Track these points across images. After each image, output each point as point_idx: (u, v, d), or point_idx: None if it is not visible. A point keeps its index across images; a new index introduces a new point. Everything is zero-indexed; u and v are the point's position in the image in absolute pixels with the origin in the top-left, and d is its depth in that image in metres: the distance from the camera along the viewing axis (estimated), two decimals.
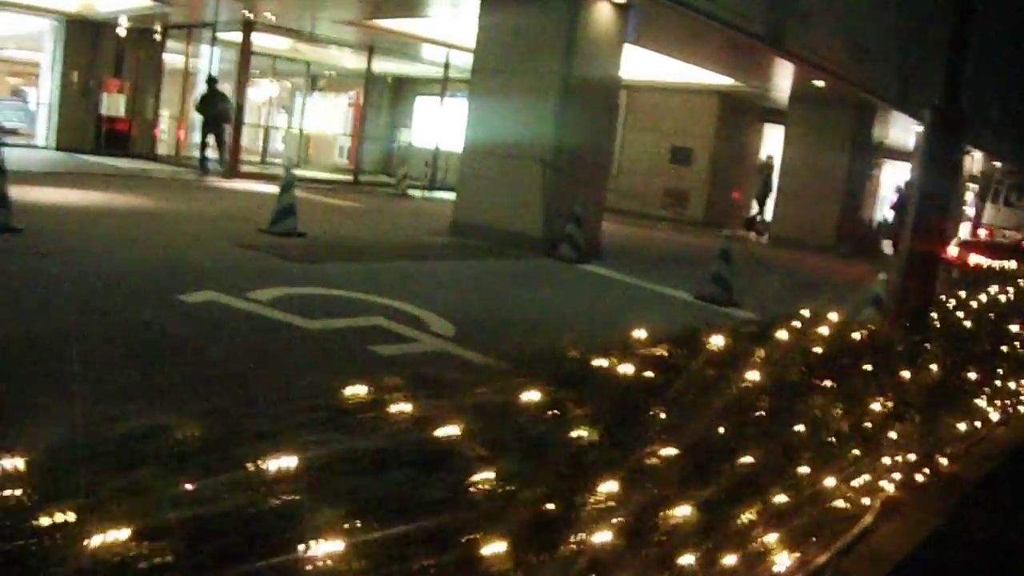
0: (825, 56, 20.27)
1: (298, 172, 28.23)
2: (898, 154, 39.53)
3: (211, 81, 24.27)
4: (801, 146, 25.85)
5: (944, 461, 5.27)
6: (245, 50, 24.54)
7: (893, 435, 4.37)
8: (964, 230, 40.42)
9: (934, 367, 5.05)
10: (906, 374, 4.60)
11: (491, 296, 11.16)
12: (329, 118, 33.72)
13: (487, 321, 9.41)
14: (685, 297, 12.59)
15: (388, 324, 8.36)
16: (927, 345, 5.17)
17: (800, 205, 25.65)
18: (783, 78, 23.28)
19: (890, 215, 29.23)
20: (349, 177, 27.57)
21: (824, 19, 20.11)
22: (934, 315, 5.64)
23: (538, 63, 15.29)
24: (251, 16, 23.36)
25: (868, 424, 4.16)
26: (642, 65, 25.09)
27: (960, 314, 6.15)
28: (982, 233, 34.09)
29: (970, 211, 41.80)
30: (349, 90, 33.24)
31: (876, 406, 4.25)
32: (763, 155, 29.52)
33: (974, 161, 38.01)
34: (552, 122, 15.00)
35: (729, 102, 28.14)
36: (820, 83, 22.29)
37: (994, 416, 6.22)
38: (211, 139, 23.84)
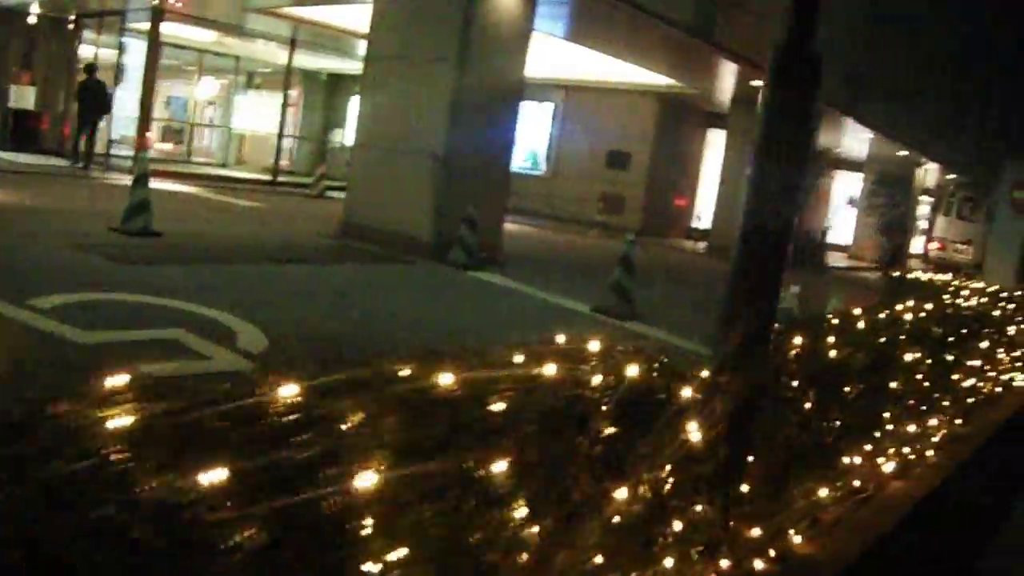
0: (761, 53, 18.95)
1: (223, 172, 27.57)
2: (851, 165, 38.57)
3: (89, 69, 22.51)
4: (742, 152, 24.57)
5: (798, 539, 3.90)
6: (154, 40, 23.03)
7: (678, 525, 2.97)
8: (918, 244, 39.51)
9: (780, 414, 3.71)
10: (696, 432, 3.19)
11: (347, 306, 9.73)
12: (264, 117, 32.21)
13: (320, 335, 8.01)
14: (581, 309, 11.28)
15: (187, 338, 7.12)
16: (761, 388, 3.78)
17: (740, 214, 24.30)
18: (721, 78, 22.02)
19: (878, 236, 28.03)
20: (273, 177, 26.14)
21: (758, 12, 18.84)
22: (798, 343, 4.26)
23: (433, 50, 13.93)
24: (158, 3, 21.86)
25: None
26: (579, 64, 23.89)
27: (833, 342, 4.75)
28: (933, 247, 33.01)
29: (924, 225, 40.88)
30: (287, 89, 31.74)
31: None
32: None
33: (927, 173, 37.00)
34: (445, 115, 13.64)
35: (669, 104, 26.84)
36: (759, 83, 20.99)
37: (886, 468, 4.90)
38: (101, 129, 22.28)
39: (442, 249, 13.33)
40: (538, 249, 18.63)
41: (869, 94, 24.91)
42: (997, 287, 10.67)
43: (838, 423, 4.24)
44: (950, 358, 5.70)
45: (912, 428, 5.21)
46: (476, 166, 13.90)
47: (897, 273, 10.53)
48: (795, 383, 3.99)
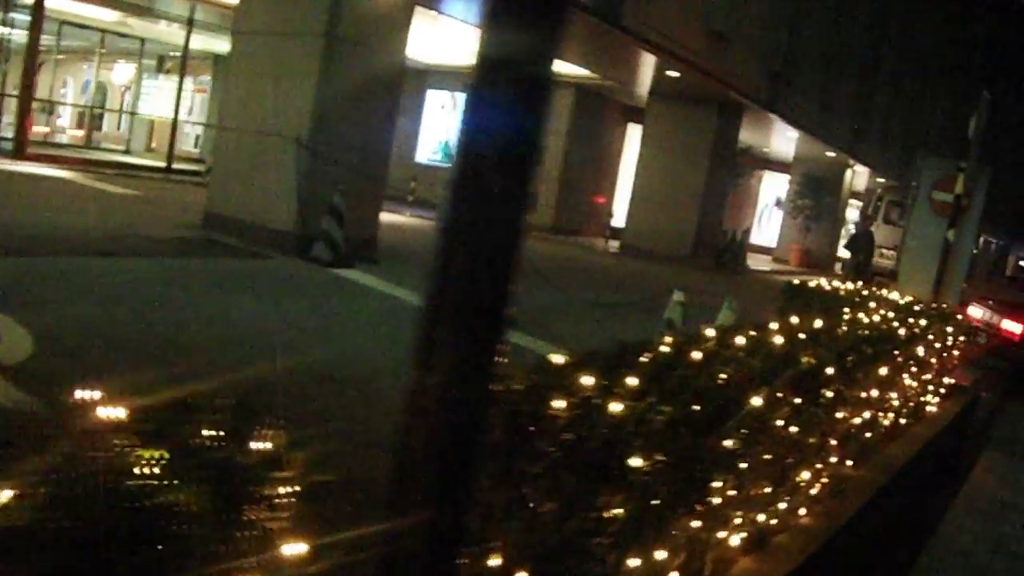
0: (675, 40, 17.76)
1: (125, 159, 25.82)
2: (779, 165, 37.71)
3: None
4: (658, 147, 23.42)
5: None
6: (37, 16, 21.13)
7: None
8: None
9: None
10: None
11: (162, 309, 8.25)
12: (174, 102, 30.43)
13: (108, 343, 6.57)
14: None
15: None
16: None
17: (655, 211, 23.18)
18: (635, 68, 20.77)
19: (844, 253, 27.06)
20: (181, 165, 24.50)
21: None
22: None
23: (300, 23, 12.49)
24: None
25: None
26: None
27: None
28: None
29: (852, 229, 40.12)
30: (198, 73, 30.06)
31: None
32: None
33: (855, 175, 36.25)
34: (312, 94, 12.19)
35: (585, 97, 25.54)
36: (674, 73, 19.82)
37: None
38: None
39: (307, 243, 11.91)
40: (426, 246, 17.22)
41: (792, 91, 23.91)
42: (911, 299, 9.50)
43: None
44: (829, 394, 4.42)
45: (766, 489, 3.93)
46: (347, 153, 12.47)
47: (796, 281, 9.23)
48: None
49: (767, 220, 40.08)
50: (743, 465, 3.46)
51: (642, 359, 3.26)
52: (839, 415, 4.83)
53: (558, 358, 3.03)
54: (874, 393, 5.62)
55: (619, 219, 25.53)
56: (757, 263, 29.79)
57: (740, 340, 3.99)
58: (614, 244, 24.24)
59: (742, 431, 3.31)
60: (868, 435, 6.06)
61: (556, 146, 25.48)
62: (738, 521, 3.66)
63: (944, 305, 10.12)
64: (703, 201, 22.97)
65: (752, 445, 3.45)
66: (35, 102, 28.13)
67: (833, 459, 5.09)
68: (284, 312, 8.92)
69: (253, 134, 12.83)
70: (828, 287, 8.73)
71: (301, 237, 12.04)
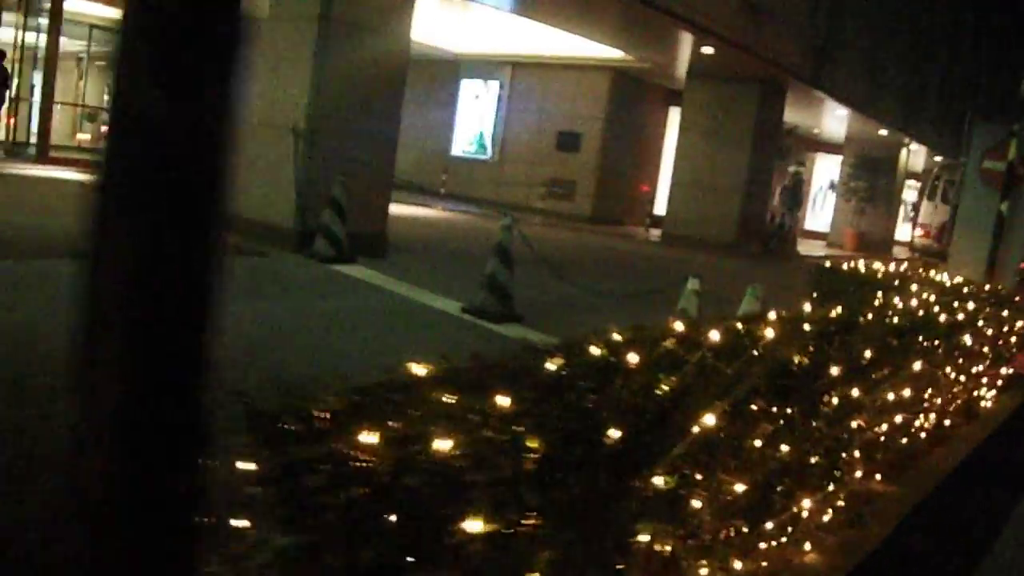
0: (705, 13, 16.72)
1: None
2: (832, 147, 36.33)
3: None
4: (699, 130, 22.31)
5: None
6: (56, 19, 20.61)
7: None
8: (904, 231, 37.23)
9: None
10: None
11: None
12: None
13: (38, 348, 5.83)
14: (451, 310, 9.17)
15: None
16: None
17: (697, 198, 22.11)
18: (672, 47, 19.74)
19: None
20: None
21: None
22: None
23: (295, 4, 11.75)
24: None
25: None
26: (526, 38, 21.69)
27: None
28: (918, 233, 30.71)
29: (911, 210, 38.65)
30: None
31: None
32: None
33: (911, 155, 34.78)
34: (308, 79, 11.42)
35: (623, 81, 24.51)
36: (708, 50, 18.75)
37: None
38: None
39: (308, 239, 11.15)
40: (452, 239, 16.44)
41: (837, 67, 22.69)
42: (960, 280, 8.47)
43: None
44: (836, 400, 3.50)
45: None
46: (351, 143, 11.69)
47: (828, 264, 8.21)
48: None
49: (821, 204, 38.68)
50: (696, 504, 2.56)
51: (550, 366, 2.38)
52: (857, 423, 3.90)
53: (419, 369, 2.18)
54: (906, 393, 4.66)
55: (661, 207, 24.51)
56: (809, 248, 28.53)
57: (715, 336, 3.09)
58: (656, 233, 23.20)
59: (681, 463, 2.40)
60: (904, 441, 5.12)
61: (593, 133, 24.51)
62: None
63: (999, 287, 9.03)
64: (747, 185, 21.83)
65: (700, 481, 2.54)
66: (81, 108, 27.90)
67: (858, 474, 4.18)
68: (257, 311, 8.13)
69: (250, 125, 12.10)
70: (865, 269, 7.73)
71: (301, 232, 11.29)
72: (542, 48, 22.99)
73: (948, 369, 5.63)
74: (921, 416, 5.33)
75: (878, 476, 4.67)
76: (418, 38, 24.56)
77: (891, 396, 4.35)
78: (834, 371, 3.45)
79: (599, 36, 20.25)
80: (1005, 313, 8.33)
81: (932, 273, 8.95)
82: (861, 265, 7.93)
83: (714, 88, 21.93)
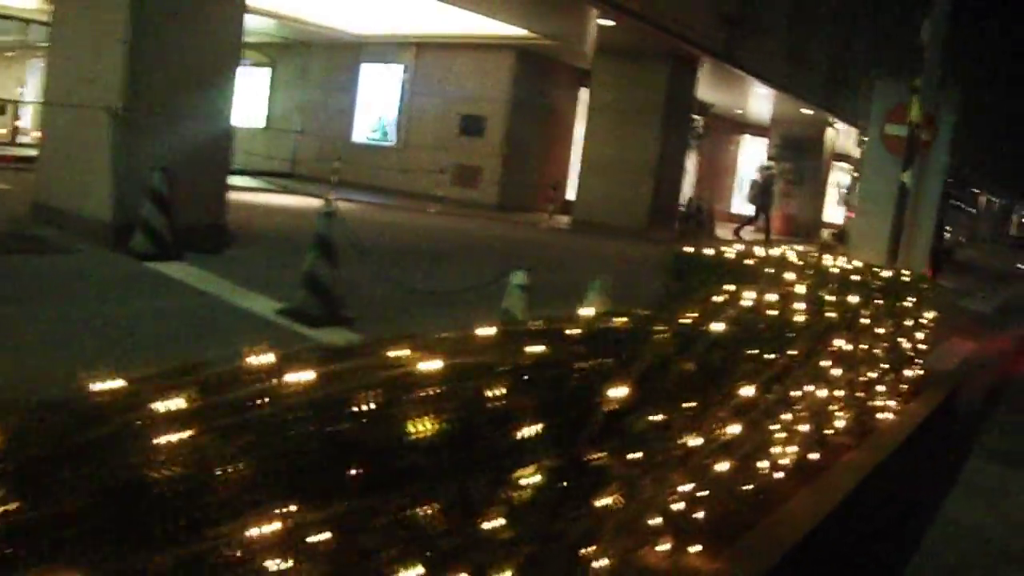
0: None
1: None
2: (758, 129, 35.29)
3: None
4: (608, 110, 21.04)
5: None
6: None
7: None
8: (838, 213, 36.31)
9: None
10: None
11: None
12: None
13: None
14: (266, 313, 7.78)
15: None
16: None
17: (605, 182, 20.81)
18: (570, 19, 18.40)
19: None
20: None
21: None
22: None
23: None
24: None
25: None
26: (430, 17, 20.18)
27: None
28: (847, 215, 29.93)
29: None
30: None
31: None
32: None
33: (838, 135, 33.84)
34: (123, 57, 9.91)
35: (529, 60, 23.01)
36: (607, 22, 17.43)
37: None
38: None
39: (127, 233, 9.67)
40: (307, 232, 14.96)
41: (753, 42, 21.53)
42: (857, 265, 7.19)
43: None
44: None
45: None
46: (178, 126, 10.25)
47: (690, 249, 6.84)
48: None
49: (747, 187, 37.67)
50: None
51: None
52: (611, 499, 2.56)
53: None
54: (732, 429, 3.34)
55: (573, 193, 23.18)
56: (730, 232, 27.35)
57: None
58: (564, 220, 21.82)
59: None
60: (748, 487, 3.81)
61: (498, 117, 23.06)
62: None
63: (903, 271, 7.75)
64: (658, 167, 20.57)
65: None
66: None
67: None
68: (51, 318, 6.68)
69: (68, 108, 10.64)
70: (731, 257, 6.42)
71: (121, 226, 9.79)
72: (446, 28, 21.50)
73: (809, 386, 4.31)
74: (771, 451, 4.02)
75: (697, 548, 3.34)
76: (317, 20, 23.20)
77: (696, 439, 3.02)
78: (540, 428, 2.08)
79: (499, 12, 18.81)
80: (909, 304, 7.08)
81: (827, 258, 7.64)
82: (729, 252, 6.61)
83: (623, 66, 20.65)
